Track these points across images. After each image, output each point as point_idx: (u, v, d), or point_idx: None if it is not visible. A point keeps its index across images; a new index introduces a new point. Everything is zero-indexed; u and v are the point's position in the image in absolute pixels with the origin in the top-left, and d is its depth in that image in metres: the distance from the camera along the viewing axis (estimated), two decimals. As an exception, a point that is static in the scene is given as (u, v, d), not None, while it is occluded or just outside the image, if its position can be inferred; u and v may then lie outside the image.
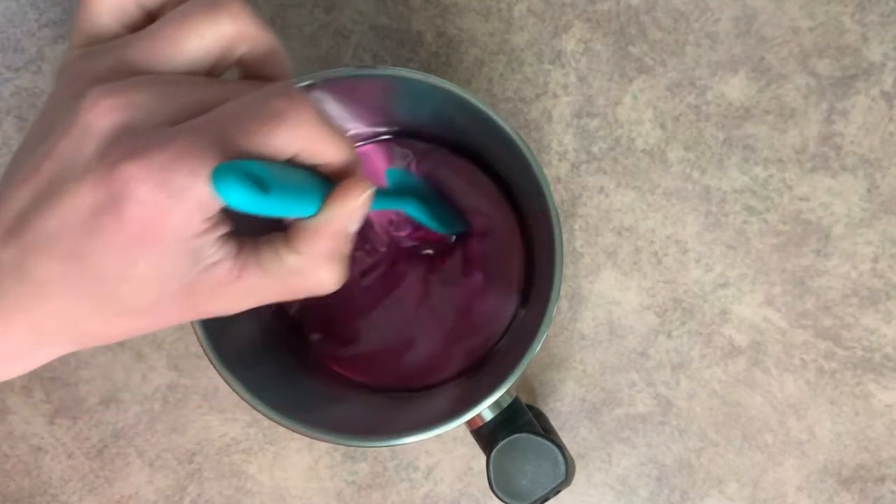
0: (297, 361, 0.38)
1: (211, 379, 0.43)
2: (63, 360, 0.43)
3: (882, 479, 0.41)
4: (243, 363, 0.32)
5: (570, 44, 0.42)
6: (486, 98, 0.42)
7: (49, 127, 0.20)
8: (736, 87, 0.41)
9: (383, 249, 0.39)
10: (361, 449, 0.42)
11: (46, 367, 0.43)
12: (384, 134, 0.39)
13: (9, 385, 0.43)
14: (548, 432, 0.35)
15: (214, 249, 0.19)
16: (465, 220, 0.39)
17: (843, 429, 0.41)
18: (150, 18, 0.22)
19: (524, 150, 0.31)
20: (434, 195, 0.38)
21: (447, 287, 0.39)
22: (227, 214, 0.20)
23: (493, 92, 0.42)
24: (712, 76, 0.41)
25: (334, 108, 0.34)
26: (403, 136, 0.39)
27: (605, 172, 0.42)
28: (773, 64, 0.41)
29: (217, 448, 0.43)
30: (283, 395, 0.33)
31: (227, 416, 0.43)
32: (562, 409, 0.42)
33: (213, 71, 0.21)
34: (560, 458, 0.33)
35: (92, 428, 0.43)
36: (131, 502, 0.43)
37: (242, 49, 0.21)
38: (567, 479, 0.33)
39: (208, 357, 0.31)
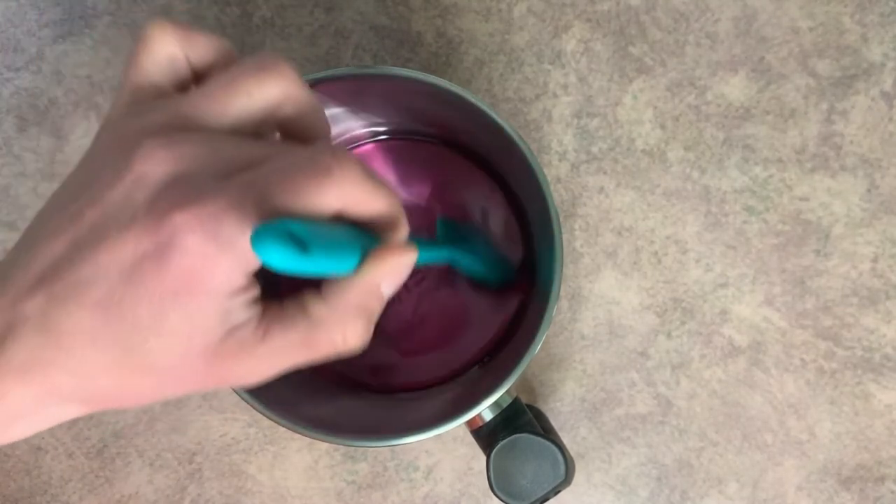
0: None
1: (211, 379, 0.43)
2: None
3: (882, 479, 0.41)
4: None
5: (570, 44, 0.42)
6: (487, 98, 0.42)
7: (93, 178, 0.20)
8: (736, 87, 0.41)
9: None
10: (361, 449, 0.42)
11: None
12: (384, 134, 0.39)
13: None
14: (548, 432, 0.35)
15: (243, 311, 0.19)
16: (513, 268, 0.38)
17: (843, 429, 0.41)
18: (197, 79, 0.22)
19: (524, 150, 0.31)
20: (486, 243, 0.38)
21: (447, 287, 0.39)
22: (258, 278, 0.20)
23: (493, 92, 0.42)
24: (712, 76, 0.41)
25: (334, 108, 0.34)
26: (403, 136, 0.39)
27: (605, 172, 0.42)
28: (773, 64, 0.41)
29: (217, 448, 0.43)
30: (283, 395, 0.33)
31: (228, 416, 0.43)
32: (562, 409, 0.42)
33: (259, 130, 0.21)
34: (560, 458, 0.33)
35: (92, 428, 0.43)
36: (131, 502, 0.43)
37: (287, 110, 0.21)
38: (567, 479, 0.33)
39: (208, 357, 0.31)
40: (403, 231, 0.22)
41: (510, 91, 0.42)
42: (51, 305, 0.19)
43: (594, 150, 0.42)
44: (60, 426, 0.43)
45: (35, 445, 0.43)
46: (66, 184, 0.21)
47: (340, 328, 0.20)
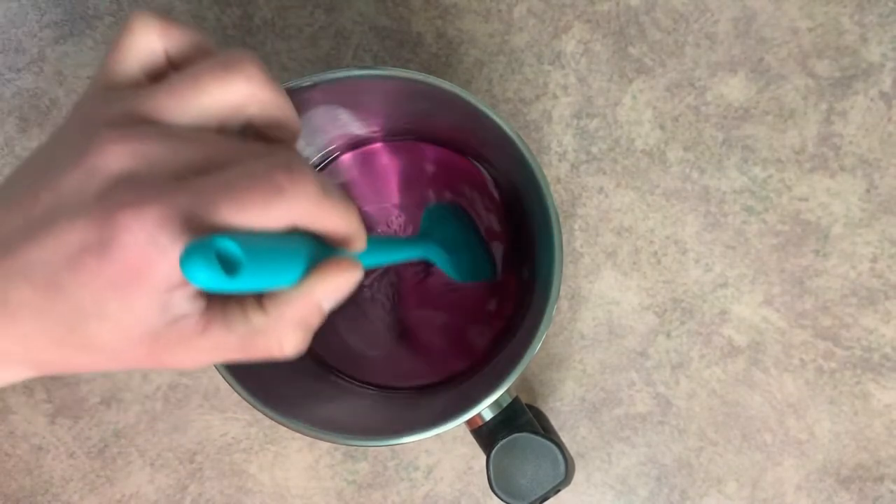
0: (297, 361, 0.38)
1: (212, 378, 0.43)
2: (64, 360, 0.43)
3: (881, 479, 0.41)
4: (244, 363, 0.33)
5: (569, 45, 0.42)
6: (487, 99, 0.42)
7: (55, 158, 0.21)
8: (735, 88, 0.41)
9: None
10: (362, 448, 0.42)
11: (48, 367, 0.43)
12: (384, 134, 0.39)
13: (10, 385, 0.43)
14: (548, 432, 0.35)
15: (185, 303, 0.20)
16: (495, 267, 0.38)
17: (842, 428, 0.41)
18: (172, 70, 0.23)
19: (524, 150, 0.31)
20: (471, 236, 0.38)
21: (447, 287, 0.39)
22: None
23: (493, 93, 0.42)
24: (711, 77, 0.41)
25: (335, 108, 0.35)
26: (403, 136, 0.39)
27: (604, 173, 0.42)
28: (772, 64, 0.41)
29: (218, 447, 0.43)
30: (283, 395, 0.33)
31: (228, 416, 0.43)
32: (562, 409, 0.42)
33: (223, 128, 0.22)
34: (560, 457, 0.33)
35: (93, 427, 0.43)
36: (132, 502, 0.43)
37: (253, 110, 0.22)
38: (567, 479, 0.33)
39: (209, 357, 0.31)
40: (360, 245, 0.22)
41: (510, 92, 0.42)
42: (2, 278, 0.20)
43: (594, 150, 0.42)
44: (61, 426, 0.43)
45: (36, 445, 0.43)
46: (33, 157, 0.21)
47: (277, 338, 0.21)
